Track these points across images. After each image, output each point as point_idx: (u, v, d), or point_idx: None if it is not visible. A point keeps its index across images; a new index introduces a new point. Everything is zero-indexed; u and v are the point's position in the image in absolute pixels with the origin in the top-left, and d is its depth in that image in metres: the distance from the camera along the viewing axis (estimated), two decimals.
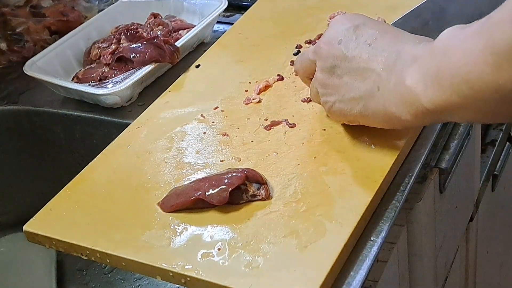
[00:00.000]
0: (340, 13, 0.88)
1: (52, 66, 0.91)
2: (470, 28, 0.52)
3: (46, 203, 0.67)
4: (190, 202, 0.62)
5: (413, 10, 0.78)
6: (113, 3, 1.05)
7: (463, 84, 0.51)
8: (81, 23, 0.99)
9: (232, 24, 0.98)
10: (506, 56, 0.48)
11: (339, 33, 0.63)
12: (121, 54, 0.88)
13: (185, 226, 0.61)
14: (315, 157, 0.66)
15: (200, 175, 0.67)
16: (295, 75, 0.76)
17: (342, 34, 0.63)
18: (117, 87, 0.83)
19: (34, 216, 0.66)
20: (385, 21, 0.85)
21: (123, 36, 0.92)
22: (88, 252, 0.61)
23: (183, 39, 0.91)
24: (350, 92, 0.62)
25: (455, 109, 0.54)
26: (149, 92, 0.88)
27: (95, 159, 0.72)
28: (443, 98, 0.53)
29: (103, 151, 0.73)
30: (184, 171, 0.68)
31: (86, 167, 0.71)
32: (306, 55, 0.68)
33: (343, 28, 0.63)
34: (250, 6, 1.00)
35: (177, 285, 0.58)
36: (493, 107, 0.52)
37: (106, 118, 0.86)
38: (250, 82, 0.81)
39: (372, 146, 0.66)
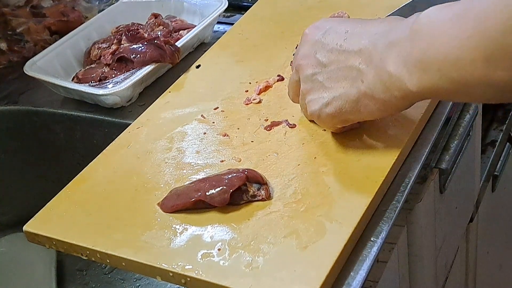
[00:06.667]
0: (340, 13, 0.88)
1: (52, 66, 0.91)
2: (452, 11, 0.51)
3: (46, 203, 0.67)
4: (191, 203, 0.62)
5: (408, 3, 0.78)
6: (114, 3, 1.05)
7: (452, 69, 0.51)
8: (82, 23, 0.99)
9: (232, 24, 0.98)
10: (500, 47, 0.47)
11: (312, 45, 0.64)
12: (121, 55, 0.88)
13: (185, 227, 0.61)
14: (315, 158, 0.66)
15: (201, 175, 0.67)
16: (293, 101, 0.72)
17: (315, 46, 0.64)
18: (117, 87, 0.83)
19: (34, 216, 0.66)
20: (348, 17, 0.86)
21: (124, 37, 0.92)
22: (88, 252, 0.61)
23: (184, 39, 0.91)
24: (336, 92, 0.61)
25: (443, 92, 0.54)
26: (149, 92, 0.88)
27: (95, 159, 0.72)
28: (430, 82, 0.53)
29: (103, 151, 0.73)
30: (185, 171, 0.68)
31: (86, 167, 0.71)
32: (291, 78, 0.69)
33: (314, 39, 0.64)
34: (250, 6, 1.00)
35: (177, 285, 0.58)
36: (483, 92, 0.51)
37: (106, 118, 0.85)
38: (250, 83, 0.81)
39: (372, 146, 0.66)
